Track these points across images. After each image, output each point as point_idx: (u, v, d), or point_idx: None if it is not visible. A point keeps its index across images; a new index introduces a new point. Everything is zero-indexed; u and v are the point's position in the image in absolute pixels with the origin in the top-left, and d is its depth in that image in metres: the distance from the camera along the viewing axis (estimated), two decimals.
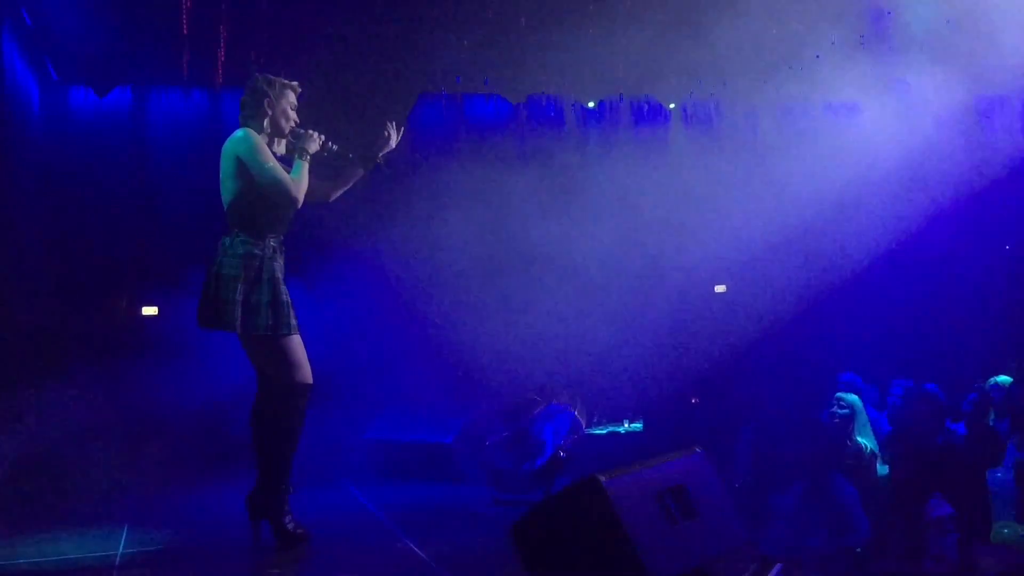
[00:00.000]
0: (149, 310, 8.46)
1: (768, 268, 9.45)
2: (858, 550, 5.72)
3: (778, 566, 3.55)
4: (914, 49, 8.59)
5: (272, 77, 4.51)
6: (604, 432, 8.35)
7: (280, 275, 4.41)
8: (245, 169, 4.32)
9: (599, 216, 8.84)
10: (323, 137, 4.56)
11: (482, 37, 8.31)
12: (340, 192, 4.85)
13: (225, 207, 4.42)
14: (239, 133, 4.39)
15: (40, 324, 7.88)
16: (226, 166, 4.39)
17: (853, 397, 7.28)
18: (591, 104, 9.87)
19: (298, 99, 4.59)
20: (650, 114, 9.99)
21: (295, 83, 4.56)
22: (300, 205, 4.43)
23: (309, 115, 4.68)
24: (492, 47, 8.42)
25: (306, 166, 4.43)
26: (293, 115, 4.53)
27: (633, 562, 3.15)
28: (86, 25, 7.42)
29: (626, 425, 9.12)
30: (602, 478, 3.28)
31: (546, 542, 3.39)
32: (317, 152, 4.53)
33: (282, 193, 4.31)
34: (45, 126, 8.20)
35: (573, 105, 9.82)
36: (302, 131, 4.52)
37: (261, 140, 4.37)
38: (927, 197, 8.98)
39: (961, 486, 5.56)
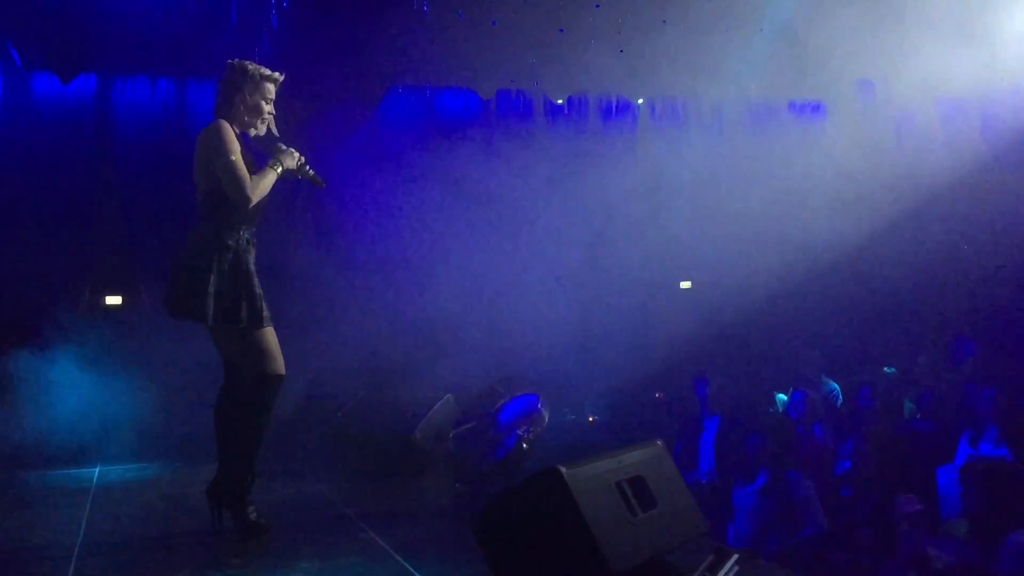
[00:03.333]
0: (113, 299, 8.40)
1: (733, 266, 9.56)
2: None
3: (734, 556, 3.60)
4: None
5: (250, 67, 4.39)
6: (568, 423, 8.40)
7: (253, 267, 4.39)
8: (210, 160, 4.29)
9: (566, 211, 8.89)
10: (303, 159, 4.51)
11: (453, 31, 8.33)
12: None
13: (199, 197, 4.39)
14: (212, 125, 4.33)
15: (3, 312, 7.81)
16: (199, 159, 4.35)
17: (812, 394, 7.40)
18: (560, 100, 9.91)
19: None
20: (618, 110, 10.05)
21: (276, 74, 4.46)
22: (250, 206, 4.30)
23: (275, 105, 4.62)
24: (463, 42, 8.44)
25: (272, 176, 4.36)
26: (267, 108, 4.44)
27: (592, 551, 3.20)
28: (50, 11, 7.34)
29: (591, 418, 9.20)
30: (562, 469, 3.32)
31: (507, 532, 3.42)
32: (291, 170, 4.46)
33: (237, 190, 4.23)
34: (8, 113, 8.12)
35: (543, 101, 9.86)
36: (285, 148, 4.46)
37: (230, 133, 4.29)
38: (889, 197, 9.10)
39: (917, 481, 5.67)
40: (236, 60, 4.42)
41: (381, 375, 7.66)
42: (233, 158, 4.24)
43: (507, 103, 9.76)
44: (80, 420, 7.24)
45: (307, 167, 4.55)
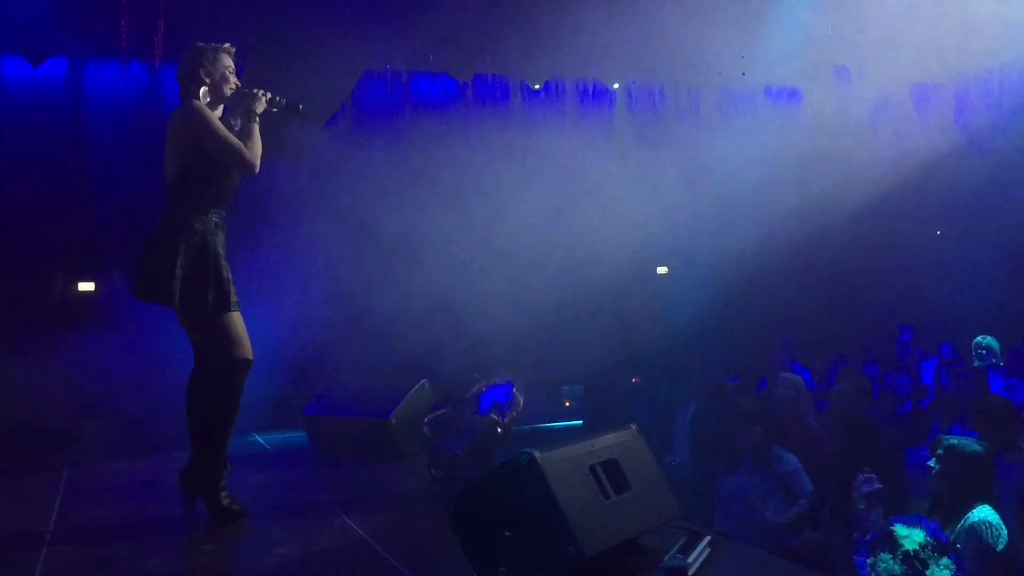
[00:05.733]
0: (85, 286, 8.33)
1: (709, 251, 9.59)
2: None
3: (707, 538, 3.62)
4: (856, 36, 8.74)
5: (201, 45, 4.43)
6: (543, 407, 8.40)
7: (222, 251, 4.36)
8: (192, 143, 4.26)
9: (542, 195, 8.87)
10: (268, 94, 4.48)
11: (429, 15, 8.29)
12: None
13: (168, 181, 4.36)
14: (185, 107, 4.32)
15: None
16: (172, 140, 4.33)
17: (796, 378, 7.43)
18: (537, 86, 9.88)
19: (238, 68, 4.53)
20: (595, 95, 10.04)
21: (227, 44, 4.48)
22: (257, 170, 4.35)
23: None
24: (440, 25, 8.39)
25: (256, 128, 4.36)
26: (233, 78, 4.46)
27: (565, 534, 3.21)
28: None
29: (567, 403, 9.21)
30: (536, 453, 3.32)
31: (481, 517, 3.42)
32: (265, 110, 4.45)
33: (238, 160, 4.26)
34: None
35: (520, 85, 9.83)
36: (246, 91, 4.46)
37: (208, 111, 4.30)
38: (863, 181, 9.15)
39: (885, 462, 5.72)
40: (191, 44, 4.46)
41: (355, 361, 7.65)
42: (223, 133, 4.26)
43: (484, 87, 9.72)
44: (54, 407, 7.22)
45: (276, 98, 4.52)
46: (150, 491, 5.30)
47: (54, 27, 7.70)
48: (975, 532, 4.47)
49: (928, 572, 4.24)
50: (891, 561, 4.32)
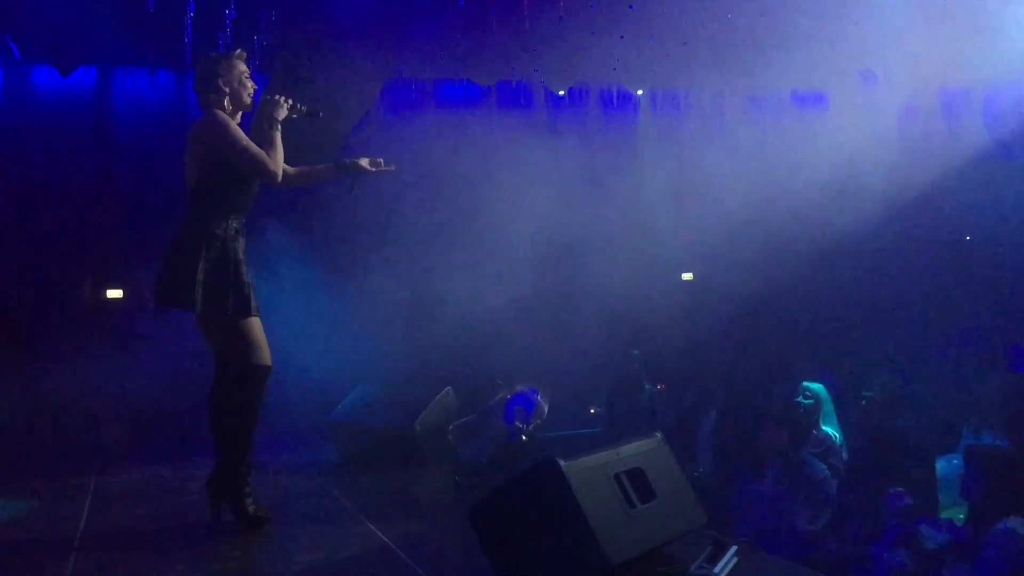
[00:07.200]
0: (114, 293, 8.41)
1: (735, 258, 9.52)
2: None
3: (733, 547, 3.59)
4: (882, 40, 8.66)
5: (213, 54, 4.47)
6: (568, 414, 8.37)
7: (242, 256, 4.38)
8: (215, 152, 4.29)
9: (566, 202, 8.85)
10: (290, 101, 4.49)
11: (453, 21, 8.29)
12: (299, 183, 4.80)
13: (190, 188, 4.39)
14: (207, 117, 4.36)
15: (3, 306, 7.82)
16: (193, 150, 4.36)
17: (818, 386, 7.37)
18: (561, 92, 9.87)
19: (265, 76, 4.57)
20: (619, 102, 10.01)
21: (239, 51, 4.50)
22: (280, 178, 4.36)
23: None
24: (464, 31, 8.39)
25: (278, 135, 4.37)
26: (250, 84, 4.49)
27: (590, 543, 3.19)
28: (50, 3, 7.32)
29: (592, 411, 9.18)
30: (560, 461, 3.31)
31: (505, 524, 3.41)
32: (286, 117, 4.46)
33: (262, 169, 4.28)
34: (7, 106, 8.11)
35: (543, 91, 9.81)
36: (268, 97, 4.48)
37: (229, 121, 4.33)
38: (890, 188, 9.06)
39: (913, 472, 5.65)
40: (203, 54, 4.52)
41: (381, 368, 7.65)
42: (245, 143, 4.28)
43: (507, 93, 9.72)
44: (82, 413, 7.27)
45: (299, 105, 4.51)
46: (176, 497, 5.33)
47: (83, 36, 7.78)
48: (1000, 539, 4.40)
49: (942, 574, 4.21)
50: (905, 556, 4.30)
